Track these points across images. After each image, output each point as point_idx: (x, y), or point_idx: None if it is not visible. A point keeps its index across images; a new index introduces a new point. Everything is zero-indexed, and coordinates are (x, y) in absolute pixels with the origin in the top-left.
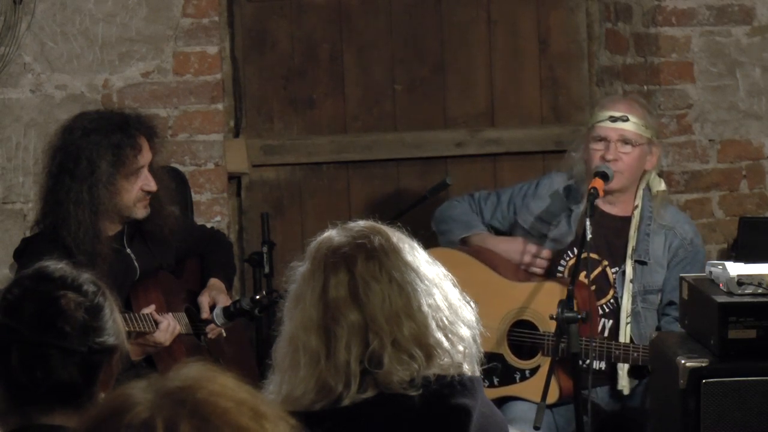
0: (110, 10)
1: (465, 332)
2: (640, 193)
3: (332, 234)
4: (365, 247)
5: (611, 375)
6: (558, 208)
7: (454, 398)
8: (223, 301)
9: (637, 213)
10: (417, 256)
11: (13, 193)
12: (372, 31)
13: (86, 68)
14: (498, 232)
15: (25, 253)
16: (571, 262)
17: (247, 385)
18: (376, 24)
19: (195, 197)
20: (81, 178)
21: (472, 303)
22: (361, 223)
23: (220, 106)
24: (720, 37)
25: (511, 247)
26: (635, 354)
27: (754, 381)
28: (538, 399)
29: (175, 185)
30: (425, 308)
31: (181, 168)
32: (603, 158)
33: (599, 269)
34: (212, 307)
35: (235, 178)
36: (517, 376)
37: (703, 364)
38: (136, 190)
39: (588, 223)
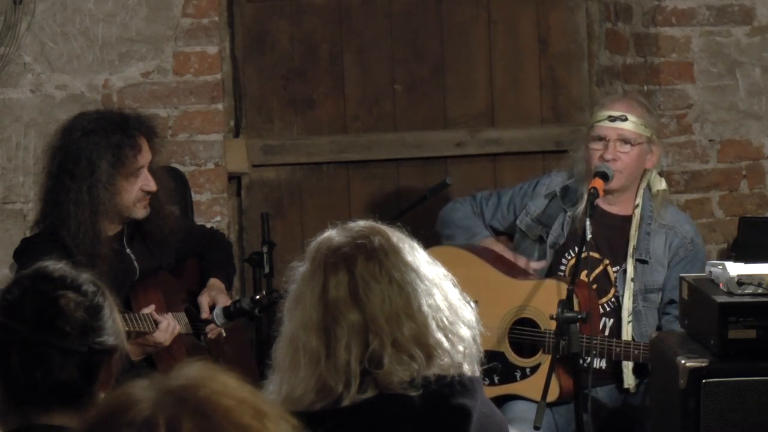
0: (110, 10)
1: (465, 332)
2: (641, 192)
3: (332, 234)
4: (365, 247)
5: (614, 373)
6: (555, 210)
7: (454, 398)
8: (223, 301)
9: (637, 212)
10: (417, 256)
11: (13, 193)
12: (372, 31)
13: (86, 68)
14: (498, 233)
15: (24, 253)
16: (572, 261)
17: (248, 385)
18: (376, 24)
19: (195, 197)
20: (81, 178)
21: (472, 303)
22: (361, 223)
23: (220, 106)
24: (720, 37)
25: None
26: (636, 351)
27: (754, 381)
28: (538, 397)
29: (175, 185)
30: (425, 308)
31: (181, 168)
32: (602, 158)
33: (600, 268)
34: (212, 307)
35: (235, 178)
36: (518, 374)
37: (703, 364)
38: (136, 191)
39: (588, 222)
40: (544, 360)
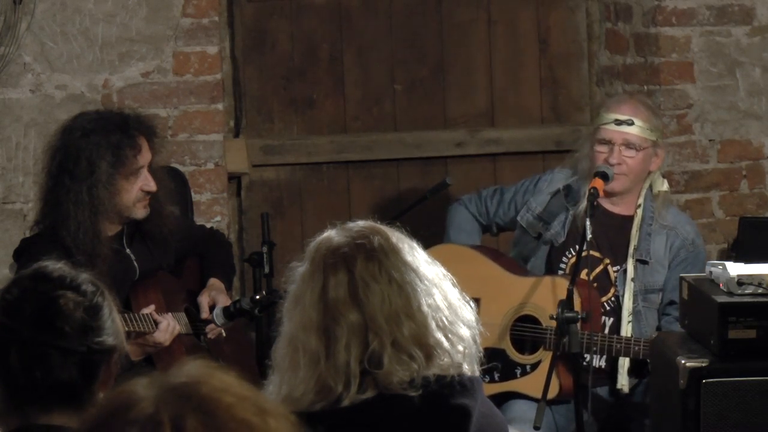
0: (110, 10)
1: (465, 332)
2: (644, 192)
3: (332, 234)
4: (365, 247)
5: (612, 374)
6: (556, 208)
7: (454, 398)
8: (223, 301)
9: (639, 212)
10: (416, 256)
11: (13, 193)
12: (372, 31)
13: (86, 68)
14: (502, 230)
15: (24, 253)
16: (572, 260)
17: (247, 383)
18: (376, 24)
19: (195, 197)
20: (80, 178)
21: (471, 303)
22: (361, 223)
23: (220, 106)
24: (720, 37)
25: None
26: (636, 348)
27: (754, 381)
28: (537, 394)
29: (175, 185)
30: (425, 308)
31: (181, 168)
32: (606, 161)
33: (600, 267)
34: (212, 307)
35: (235, 178)
36: (518, 371)
37: (703, 364)
38: (136, 191)
39: (588, 222)
40: (544, 357)
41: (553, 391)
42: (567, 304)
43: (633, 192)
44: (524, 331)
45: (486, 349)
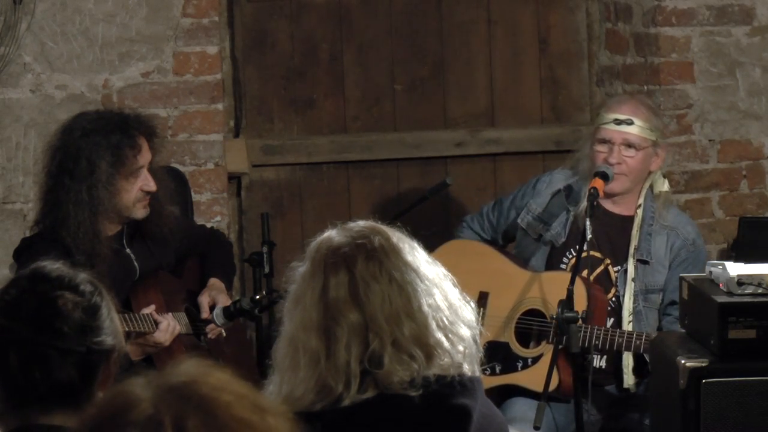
0: (110, 10)
1: (465, 332)
2: (644, 193)
3: (332, 234)
4: (365, 247)
5: (614, 374)
6: (557, 208)
7: (455, 398)
8: (223, 301)
9: (639, 212)
10: (417, 256)
11: (13, 193)
12: (372, 31)
13: (86, 68)
14: (509, 239)
15: (24, 252)
16: (573, 260)
17: (242, 381)
18: (376, 24)
19: (195, 197)
20: (80, 178)
21: (472, 303)
22: (361, 223)
23: (220, 106)
24: (720, 37)
25: None
26: (638, 342)
27: (754, 381)
28: (537, 387)
29: (175, 185)
30: (425, 308)
31: (181, 168)
32: (606, 161)
33: (601, 267)
34: (212, 307)
35: (235, 178)
36: (519, 364)
37: (703, 364)
38: (136, 191)
39: (588, 222)
40: (546, 351)
41: (553, 384)
42: (567, 304)
43: (633, 192)
44: (529, 324)
45: (490, 342)
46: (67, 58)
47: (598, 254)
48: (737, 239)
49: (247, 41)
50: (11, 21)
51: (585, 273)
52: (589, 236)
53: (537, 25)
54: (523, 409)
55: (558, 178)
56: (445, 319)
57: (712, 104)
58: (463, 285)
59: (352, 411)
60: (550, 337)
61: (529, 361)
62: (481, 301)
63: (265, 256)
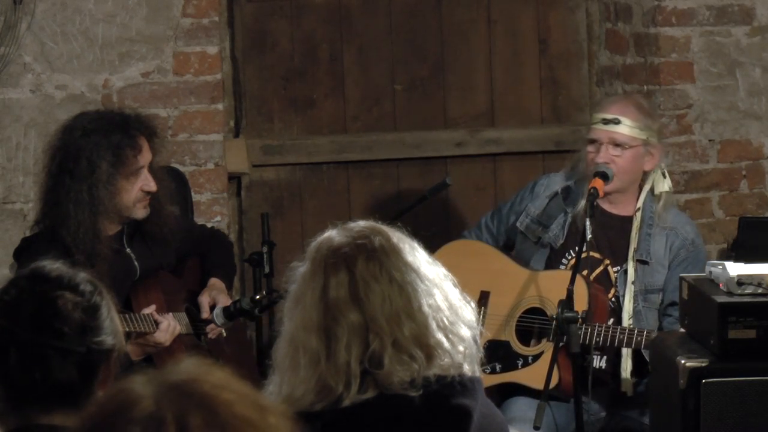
0: (110, 10)
1: (465, 332)
2: (644, 195)
3: (332, 234)
4: (365, 247)
5: (613, 374)
6: (555, 210)
7: (455, 398)
8: (223, 301)
9: (638, 215)
10: (417, 256)
11: (13, 193)
12: (372, 31)
13: (86, 68)
14: (509, 246)
15: (24, 252)
16: (572, 261)
17: (242, 380)
18: (376, 24)
19: (195, 197)
20: (81, 178)
21: (472, 303)
22: (362, 224)
23: (220, 106)
24: (720, 37)
25: None
26: (639, 338)
27: (754, 381)
28: (537, 385)
29: (175, 185)
30: (426, 308)
31: (181, 168)
32: (593, 161)
33: (601, 268)
34: (212, 307)
35: (235, 178)
36: (519, 362)
37: (703, 364)
38: (136, 191)
39: (588, 222)
40: (546, 348)
41: (551, 383)
42: (567, 304)
43: (629, 192)
44: (530, 322)
45: (490, 341)
46: (67, 58)
47: (597, 255)
48: (737, 239)
49: (247, 41)
50: (11, 21)
51: (585, 273)
52: (589, 236)
53: (537, 25)
54: (523, 408)
55: (555, 181)
56: (445, 319)
57: (712, 104)
58: (464, 284)
59: (352, 411)
60: (550, 335)
61: (530, 359)
62: (482, 300)
63: (265, 256)
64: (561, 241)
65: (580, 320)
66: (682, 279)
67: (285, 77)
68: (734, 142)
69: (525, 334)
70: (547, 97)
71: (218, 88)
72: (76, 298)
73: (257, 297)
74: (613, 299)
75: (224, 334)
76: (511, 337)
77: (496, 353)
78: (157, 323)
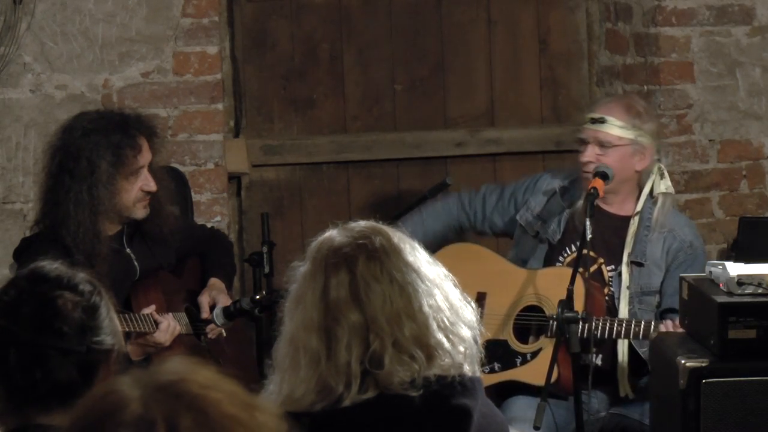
0: (110, 10)
1: (466, 333)
2: (644, 197)
3: (333, 234)
4: (366, 247)
5: (611, 375)
6: (554, 207)
7: (455, 399)
8: (223, 301)
9: (636, 219)
10: (418, 256)
11: (13, 193)
12: (372, 31)
13: (86, 68)
14: (498, 233)
15: (24, 252)
16: (569, 258)
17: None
18: (376, 24)
19: (195, 197)
20: (81, 178)
21: (472, 303)
22: (362, 224)
23: (220, 106)
24: (720, 37)
25: None
26: (637, 329)
27: (754, 381)
28: (536, 382)
29: (175, 185)
30: (426, 309)
31: (181, 168)
32: (580, 160)
33: (595, 266)
34: (212, 307)
35: (235, 178)
36: (518, 360)
37: (703, 364)
38: (136, 190)
39: (588, 222)
40: (545, 345)
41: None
42: (567, 304)
43: (623, 191)
44: (527, 320)
45: (488, 341)
46: (67, 58)
47: (592, 253)
48: (737, 239)
49: (247, 41)
50: (11, 21)
51: (581, 271)
52: (589, 236)
53: (537, 25)
54: (523, 408)
55: (556, 179)
56: (445, 319)
57: (712, 104)
58: (461, 287)
59: (352, 411)
60: (548, 331)
61: (528, 356)
62: (479, 301)
63: (265, 256)
64: (558, 237)
65: (580, 320)
66: (682, 279)
67: (285, 77)
68: (734, 142)
69: (522, 332)
70: (547, 97)
71: (218, 88)
72: (76, 298)
73: (257, 297)
74: (606, 298)
75: (224, 334)
76: (508, 335)
77: (495, 352)
78: (156, 323)
